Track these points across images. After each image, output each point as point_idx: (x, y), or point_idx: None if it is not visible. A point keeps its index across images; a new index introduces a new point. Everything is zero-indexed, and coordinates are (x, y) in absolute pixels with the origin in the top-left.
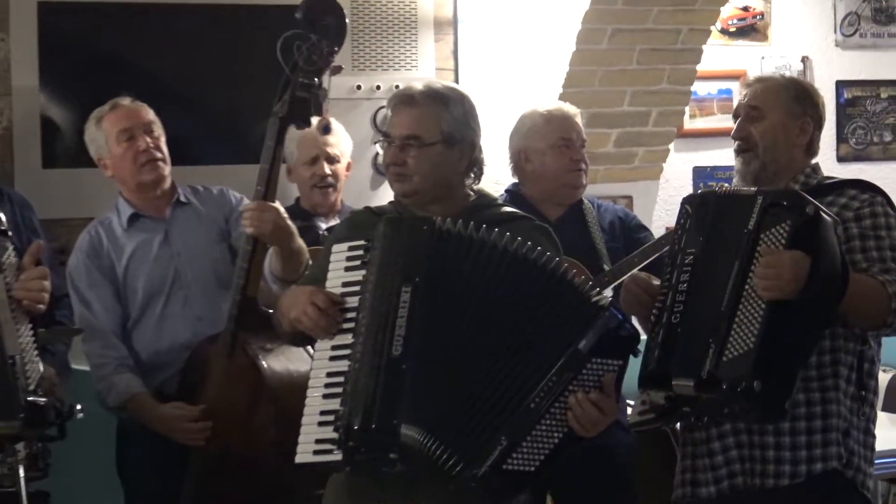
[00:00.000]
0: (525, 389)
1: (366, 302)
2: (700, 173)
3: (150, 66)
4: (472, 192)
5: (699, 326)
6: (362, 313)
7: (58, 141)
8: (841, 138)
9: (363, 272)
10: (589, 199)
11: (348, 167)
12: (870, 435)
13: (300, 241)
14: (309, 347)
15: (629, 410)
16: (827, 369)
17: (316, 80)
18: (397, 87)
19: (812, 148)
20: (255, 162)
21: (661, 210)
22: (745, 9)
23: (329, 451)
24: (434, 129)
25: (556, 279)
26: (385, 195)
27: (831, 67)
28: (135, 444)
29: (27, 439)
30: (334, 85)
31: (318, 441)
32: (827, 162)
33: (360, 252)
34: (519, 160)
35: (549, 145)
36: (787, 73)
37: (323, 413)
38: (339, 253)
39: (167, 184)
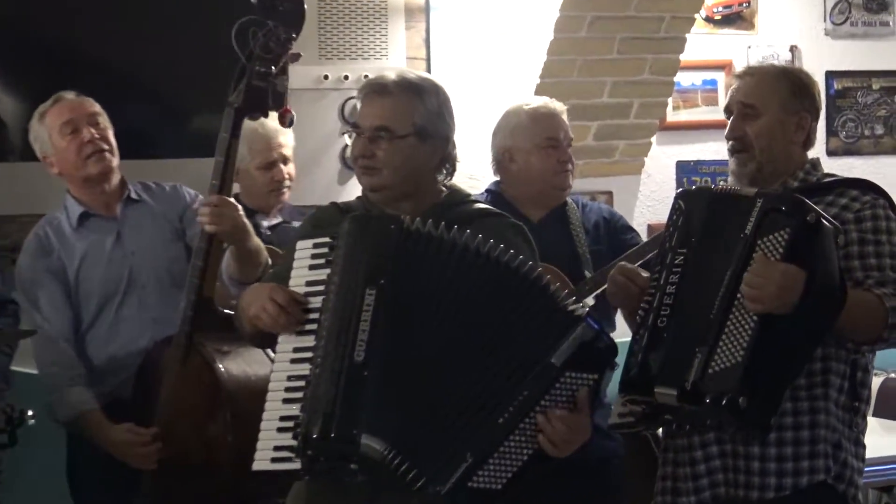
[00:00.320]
0: (493, 403)
1: (329, 303)
2: (683, 168)
3: (98, 56)
4: (444, 188)
5: (686, 333)
6: (325, 315)
7: (5, 135)
8: (830, 131)
9: (328, 271)
10: (574, 198)
11: None
12: (860, 445)
13: (257, 240)
14: (269, 350)
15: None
16: (817, 378)
17: (273, 68)
18: (366, 76)
19: (809, 141)
20: (209, 155)
21: (642, 206)
22: None
23: (288, 459)
24: (406, 121)
25: (530, 285)
26: (353, 190)
27: (821, 57)
28: (86, 452)
29: None
30: (299, 75)
31: (276, 448)
32: (815, 156)
33: (325, 250)
34: (503, 159)
35: (535, 145)
36: (778, 62)
37: (282, 419)
38: (304, 250)
39: (116, 178)
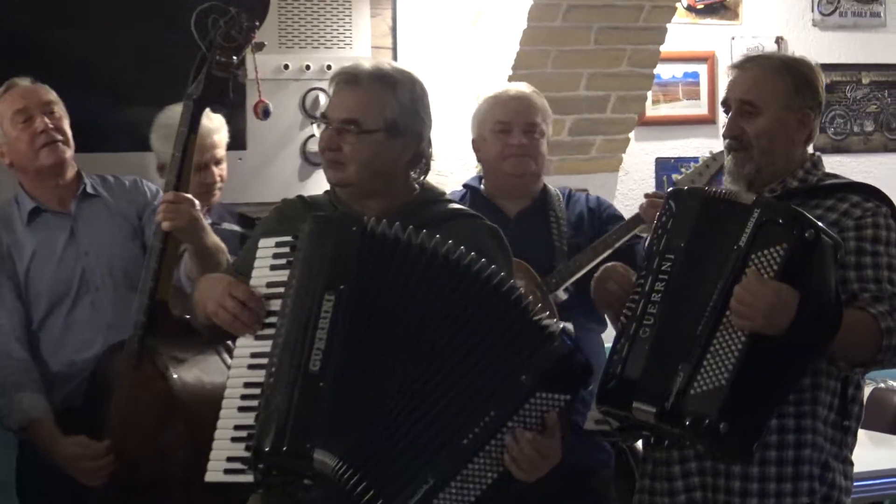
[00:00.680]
0: (458, 423)
1: (286, 308)
2: (663, 165)
3: (52, 44)
4: (417, 186)
5: (670, 347)
6: (282, 320)
7: None
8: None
9: (289, 272)
10: (561, 189)
11: None
12: (849, 463)
13: (215, 238)
14: (228, 357)
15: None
16: (805, 394)
17: (234, 58)
18: (329, 67)
19: (811, 137)
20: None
21: (619, 205)
22: None
23: (241, 471)
24: (376, 115)
25: (501, 297)
26: (315, 187)
27: (808, 49)
28: (37, 459)
29: None
30: (257, 64)
31: (230, 459)
32: (817, 153)
33: (286, 250)
34: (474, 150)
35: (489, 131)
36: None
37: (237, 428)
38: (266, 248)
39: (71, 171)
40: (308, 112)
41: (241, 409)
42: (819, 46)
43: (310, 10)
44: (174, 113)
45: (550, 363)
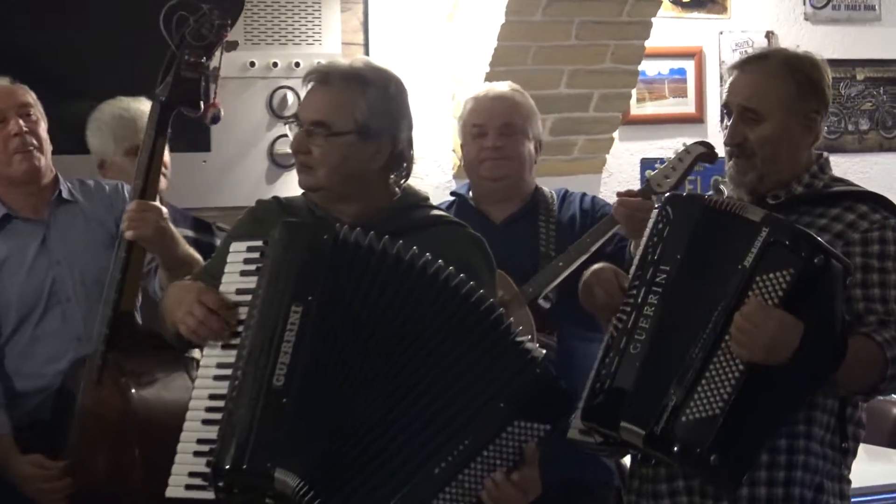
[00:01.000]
0: (429, 450)
1: (252, 318)
2: (649, 166)
3: (19, 42)
4: (396, 190)
5: (662, 367)
6: (247, 331)
7: None
8: None
9: (256, 280)
10: (558, 190)
11: None
12: (846, 483)
13: (187, 249)
14: (195, 374)
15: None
16: (799, 413)
17: (204, 58)
18: (297, 64)
19: (818, 138)
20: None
21: None
22: None
23: (203, 487)
24: (346, 116)
25: (480, 316)
26: (283, 190)
27: (799, 45)
28: None
29: None
30: (221, 61)
31: (191, 474)
32: (824, 153)
33: (257, 255)
34: (462, 155)
35: (466, 134)
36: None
37: (200, 442)
38: (237, 253)
39: (46, 178)
40: (275, 112)
41: (206, 422)
42: (811, 41)
43: (277, 4)
44: (106, 106)
45: (530, 390)
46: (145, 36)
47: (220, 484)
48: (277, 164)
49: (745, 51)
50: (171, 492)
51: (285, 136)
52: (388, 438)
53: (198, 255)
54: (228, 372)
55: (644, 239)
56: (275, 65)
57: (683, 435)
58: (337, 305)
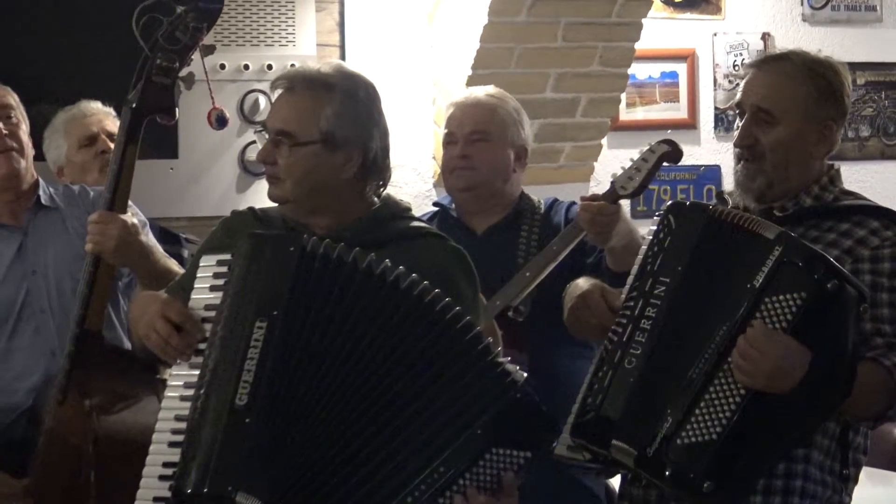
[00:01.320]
0: (401, 478)
1: (216, 335)
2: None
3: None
4: (374, 200)
5: (658, 386)
6: (210, 348)
7: None
8: None
9: (221, 294)
10: (547, 199)
11: None
12: None
13: (166, 262)
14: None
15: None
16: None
17: (177, 63)
18: (269, 66)
19: (832, 150)
20: None
21: None
22: None
23: None
24: (310, 125)
25: (457, 335)
26: (253, 200)
27: (797, 47)
28: None
29: None
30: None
31: (156, 499)
32: (836, 164)
33: (226, 269)
34: None
35: (443, 142)
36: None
37: (166, 465)
38: (207, 266)
39: (25, 182)
40: (246, 117)
41: (172, 444)
42: (809, 44)
43: (249, 3)
44: (64, 112)
45: (509, 415)
46: (119, 40)
47: None
48: (248, 171)
49: (740, 53)
50: None
51: (257, 142)
52: (356, 464)
53: (178, 269)
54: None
55: (643, 248)
56: (246, 67)
57: (677, 458)
58: (304, 321)
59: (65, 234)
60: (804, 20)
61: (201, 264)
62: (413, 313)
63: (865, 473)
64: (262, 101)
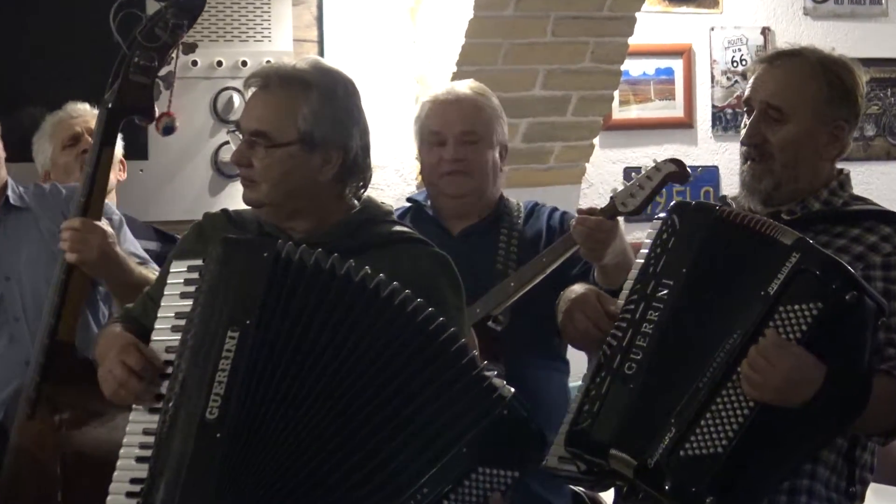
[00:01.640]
0: (380, 499)
1: (186, 344)
2: (633, 176)
3: None
4: (355, 203)
5: (662, 394)
6: (180, 359)
7: None
8: None
9: (192, 302)
10: (527, 202)
11: None
12: None
13: (142, 273)
14: None
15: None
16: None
17: (156, 61)
18: (244, 63)
19: (843, 152)
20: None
21: None
22: None
23: None
24: (288, 125)
25: (441, 347)
26: (227, 202)
27: (798, 42)
28: None
29: None
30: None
31: None
32: (846, 168)
33: (197, 275)
34: (419, 162)
35: (422, 141)
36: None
37: (133, 482)
38: (177, 273)
39: None
40: (220, 116)
41: (140, 459)
42: (811, 39)
43: None
44: (51, 116)
45: (496, 433)
46: (99, 39)
47: None
48: (222, 173)
49: (739, 49)
50: None
51: (230, 142)
52: (332, 484)
53: (153, 278)
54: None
55: (646, 249)
56: (219, 64)
57: (679, 471)
58: (278, 330)
59: (37, 236)
60: (806, 14)
61: (172, 270)
62: (394, 324)
63: (873, 490)
64: (237, 99)
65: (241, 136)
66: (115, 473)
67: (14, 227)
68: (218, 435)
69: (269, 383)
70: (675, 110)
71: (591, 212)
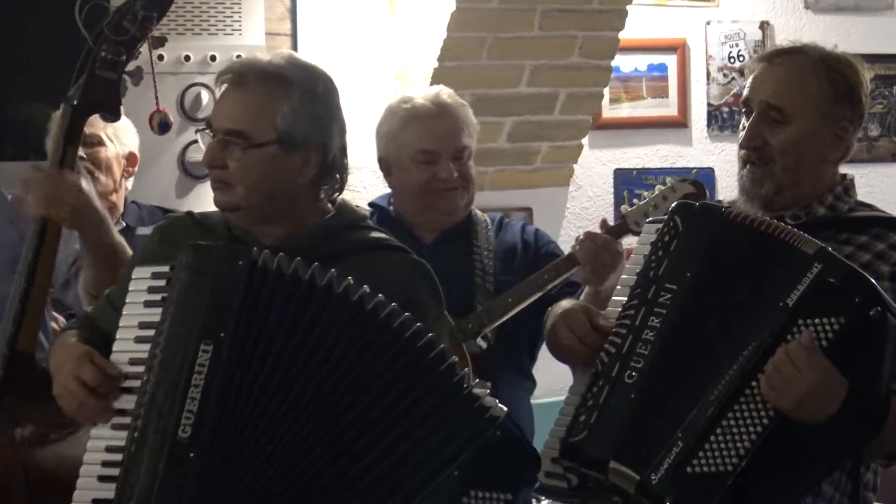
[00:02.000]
0: None
1: (155, 358)
2: (624, 178)
3: None
4: (329, 207)
5: (665, 405)
6: (149, 373)
7: None
8: None
9: (161, 312)
10: (491, 215)
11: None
12: None
13: (118, 238)
14: None
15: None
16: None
17: (124, 56)
18: (213, 57)
19: (847, 155)
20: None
21: (570, 226)
22: None
23: None
24: (266, 124)
25: (429, 364)
26: (194, 204)
27: (799, 37)
28: None
29: None
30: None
31: None
32: (850, 173)
33: (164, 283)
34: (382, 169)
35: (409, 157)
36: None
37: (95, 502)
38: (140, 280)
39: None
40: (187, 113)
41: (102, 478)
42: (812, 33)
43: None
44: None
45: (489, 455)
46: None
47: None
48: (190, 174)
49: (736, 44)
50: None
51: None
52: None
53: (129, 250)
54: (127, 420)
55: (639, 255)
56: (187, 58)
57: (684, 489)
58: (255, 344)
59: None
60: (807, 7)
61: (134, 277)
62: (379, 339)
63: None
64: (205, 95)
65: (211, 136)
66: (76, 493)
67: None
68: (191, 455)
69: (246, 400)
70: (669, 108)
71: (603, 227)
